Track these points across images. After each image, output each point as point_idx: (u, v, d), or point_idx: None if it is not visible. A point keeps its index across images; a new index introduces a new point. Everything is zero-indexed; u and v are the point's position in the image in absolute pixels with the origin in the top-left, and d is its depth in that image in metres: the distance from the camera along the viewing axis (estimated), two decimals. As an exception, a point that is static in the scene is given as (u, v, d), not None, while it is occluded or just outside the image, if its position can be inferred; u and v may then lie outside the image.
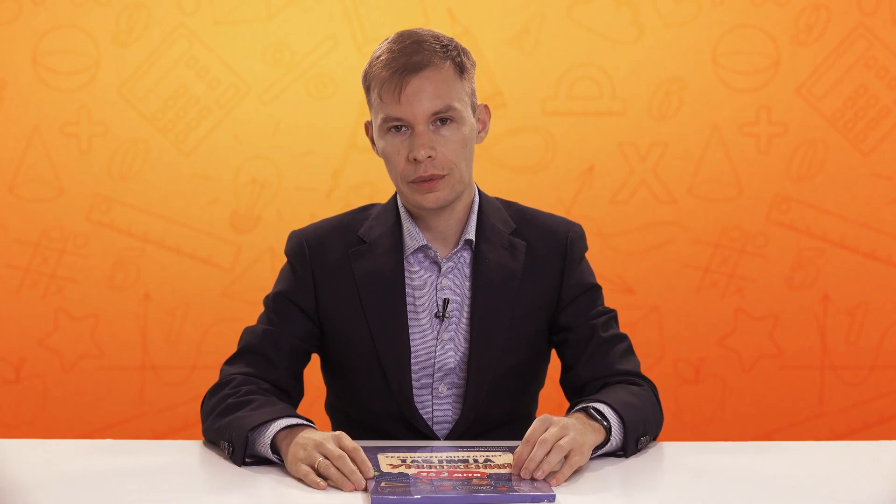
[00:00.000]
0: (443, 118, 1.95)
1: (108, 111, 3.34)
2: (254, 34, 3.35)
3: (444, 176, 1.96)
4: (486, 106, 2.05)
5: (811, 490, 1.73)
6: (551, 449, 1.72)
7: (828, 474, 1.82)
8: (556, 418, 1.77)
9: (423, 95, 1.93)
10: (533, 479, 1.71)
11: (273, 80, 3.36)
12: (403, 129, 1.96)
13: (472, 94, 2.01)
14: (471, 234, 2.05)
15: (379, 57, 1.97)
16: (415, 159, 1.94)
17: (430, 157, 1.94)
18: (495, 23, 3.36)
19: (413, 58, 1.93)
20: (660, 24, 3.36)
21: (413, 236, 2.04)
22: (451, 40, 1.99)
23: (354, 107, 3.34)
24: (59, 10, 3.31)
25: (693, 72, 3.37)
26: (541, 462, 1.71)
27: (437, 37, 1.98)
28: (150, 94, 3.34)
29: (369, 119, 2.04)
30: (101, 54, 3.33)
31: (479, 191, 2.10)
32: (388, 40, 1.98)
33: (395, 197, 2.10)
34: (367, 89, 2.00)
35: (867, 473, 1.82)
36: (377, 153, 2.03)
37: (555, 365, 2.13)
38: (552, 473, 1.73)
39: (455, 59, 1.97)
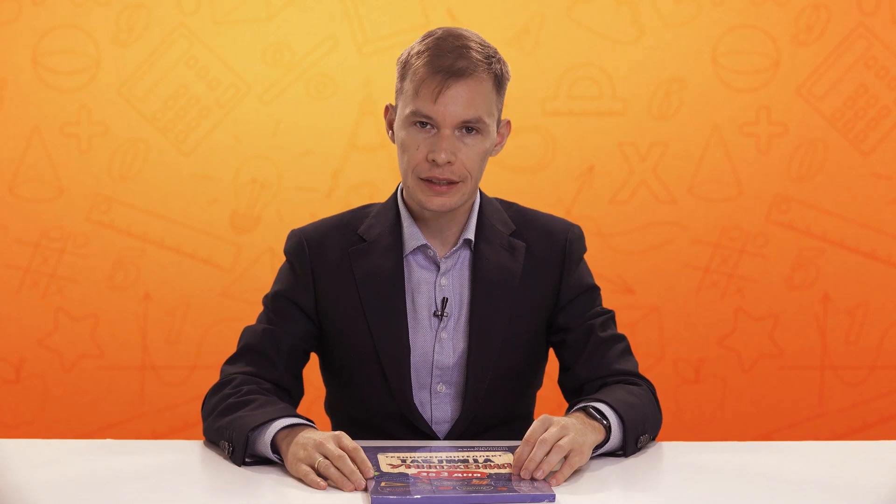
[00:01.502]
0: (470, 127, 1.95)
1: (108, 111, 3.34)
2: (254, 34, 3.35)
3: (457, 183, 1.96)
4: (508, 122, 2.05)
5: (811, 490, 1.73)
6: (551, 449, 1.72)
7: (828, 474, 1.82)
8: (555, 418, 1.77)
9: (459, 102, 1.92)
10: (533, 479, 1.71)
11: (273, 80, 3.36)
12: (429, 127, 1.95)
13: (501, 108, 2.01)
14: (470, 234, 2.05)
15: (422, 52, 1.94)
16: (434, 160, 1.94)
17: (449, 162, 1.94)
18: (495, 23, 3.36)
19: (458, 62, 1.92)
20: (660, 24, 3.36)
21: (412, 235, 2.04)
22: (495, 51, 1.98)
23: (354, 107, 3.34)
24: (59, 10, 3.31)
25: (693, 72, 3.37)
26: (541, 462, 1.71)
27: (483, 45, 1.97)
28: (150, 94, 3.34)
29: (392, 103, 2.03)
30: (101, 54, 3.33)
31: (479, 191, 2.10)
32: (435, 35, 1.96)
33: (394, 196, 2.10)
34: (402, 77, 1.98)
35: (867, 473, 1.82)
36: (391, 139, 2.02)
37: (553, 364, 2.13)
38: (552, 473, 1.73)
39: (497, 72, 1.97)
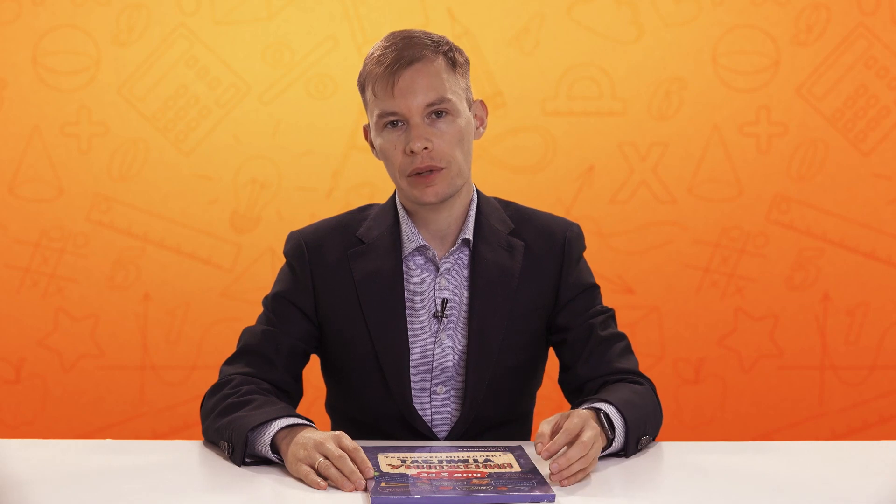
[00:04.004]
0: (437, 110, 1.96)
1: (108, 111, 3.34)
2: (254, 34, 3.35)
3: (442, 168, 1.96)
4: (482, 102, 2.06)
5: (811, 490, 1.73)
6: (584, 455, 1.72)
7: (828, 474, 1.81)
8: (590, 421, 1.77)
9: (417, 88, 1.94)
10: (533, 479, 1.71)
11: (273, 80, 3.36)
12: (399, 123, 1.96)
13: (468, 89, 2.02)
14: (468, 234, 2.05)
15: (371, 55, 1.99)
16: (411, 151, 1.94)
17: (426, 148, 1.95)
18: (495, 23, 3.36)
19: (404, 52, 1.95)
20: (660, 24, 3.36)
21: (411, 236, 2.04)
22: (442, 37, 2.01)
23: (354, 107, 3.33)
24: (59, 10, 3.31)
25: (693, 72, 3.37)
26: (572, 464, 1.71)
27: (427, 34, 2.00)
28: (150, 94, 3.35)
29: (367, 122, 2.04)
30: (101, 54, 3.33)
31: (477, 190, 2.10)
32: (381, 40, 2.00)
33: (393, 197, 2.10)
34: (362, 89, 2.02)
35: (867, 473, 1.82)
36: (376, 155, 2.03)
37: (553, 364, 2.13)
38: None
39: (446, 53, 1.99)
